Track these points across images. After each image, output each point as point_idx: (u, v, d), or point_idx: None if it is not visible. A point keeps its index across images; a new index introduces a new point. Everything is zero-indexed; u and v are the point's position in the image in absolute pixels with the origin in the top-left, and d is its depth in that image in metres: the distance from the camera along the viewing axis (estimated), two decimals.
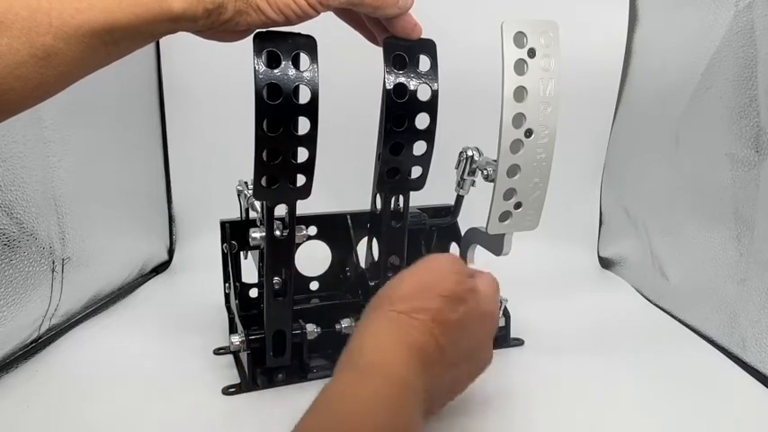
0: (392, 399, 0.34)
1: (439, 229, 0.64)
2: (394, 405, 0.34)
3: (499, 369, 0.56)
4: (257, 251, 0.57)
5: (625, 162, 0.85)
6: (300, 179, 0.44)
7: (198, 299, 0.72)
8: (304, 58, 0.40)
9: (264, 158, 0.41)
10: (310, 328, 0.54)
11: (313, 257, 0.62)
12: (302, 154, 0.42)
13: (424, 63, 0.44)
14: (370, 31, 0.45)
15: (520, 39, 0.43)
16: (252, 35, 0.39)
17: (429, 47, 0.44)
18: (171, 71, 0.85)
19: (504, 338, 0.60)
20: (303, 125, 0.41)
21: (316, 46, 0.40)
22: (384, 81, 0.43)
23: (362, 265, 0.59)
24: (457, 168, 0.53)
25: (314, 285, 0.64)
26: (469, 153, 0.52)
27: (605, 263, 0.89)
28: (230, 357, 0.57)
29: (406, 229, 0.54)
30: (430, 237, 0.64)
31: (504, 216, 0.50)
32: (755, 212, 0.56)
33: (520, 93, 0.44)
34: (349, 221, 0.62)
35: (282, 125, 0.40)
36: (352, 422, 0.32)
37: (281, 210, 0.47)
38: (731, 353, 0.58)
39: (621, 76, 0.84)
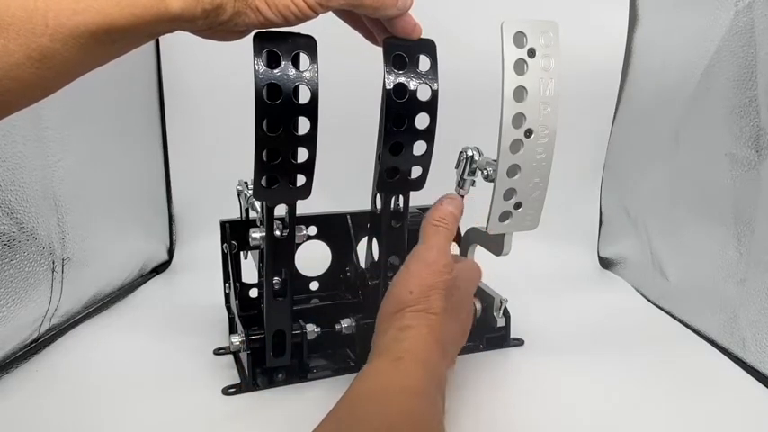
0: (424, 379, 0.40)
1: None
2: (425, 385, 0.40)
3: (499, 369, 0.56)
4: (257, 251, 0.57)
5: (625, 162, 0.85)
6: (300, 179, 0.44)
7: (198, 299, 0.72)
8: (304, 58, 0.40)
9: (264, 158, 0.41)
10: (310, 328, 0.54)
11: (313, 257, 0.62)
12: (302, 154, 0.42)
13: (424, 63, 0.44)
14: (370, 32, 0.45)
15: (520, 39, 0.43)
16: (251, 35, 0.39)
17: (429, 47, 0.44)
18: (171, 71, 0.85)
19: (504, 338, 0.60)
20: (303, 125, 0.41)
21: (316, 46, 0.40)
22: (384, 81, 0.43)
23: (362, 265, 0.59)
24: (457, 168, 0.53)
25: (314, 285, 0.64)
26: (469, 153, 0.52)
27: (605, 263, 0.89)
28: (230, 357, 0.57)
29: (406, 229, 0.53)
30: None
31: (504, 216, 0.50)
32: (755, 212, 0.56)
33: (520, 93, 0.44)
34: (349, 221, 0.62)
35: (282, 125, 0.40)
36: (391, 396, 0.38)
37: (281, 210, 0.47)
38: (731, 353, 0.58)
39: (621, 76, 0.84)
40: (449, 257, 0.48)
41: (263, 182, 0.43)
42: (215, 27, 0.36)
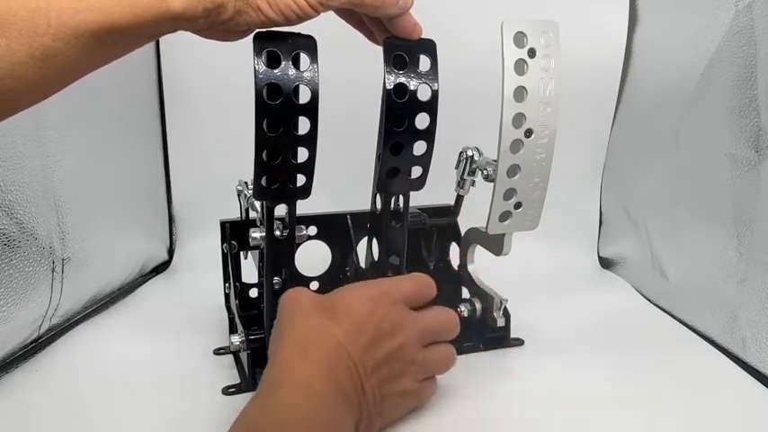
0: (299, 400, 0.36)
1: (439, 229, 0.64)
2: (301, 406, 0.36)
3: (499, 369, 0.56)
4: (257, 251, 0.57)
5: (625, 162, 0.85)
6: (300, 179, 0.44)
7: (198, 299, 0.72)
8: (304, 58, 0.40)
9: (264, 158, 0.41)
10: None
11: (313, 257, 0.62)
12: (302, 154, 0.42)
13: (424, 63, 0.44)
14: (371, 31, 0.45)
15: (520, 39, 0.43)
16: (252, 35, 0.39)
17: (429, 47, 0.44)
18: (171, 71, 0.85)
19: (504, 338, 0.60)
20: (303, 125, 0.41)
21: (316, 46, 0.40)
22: (384, 81, 0.43)
23: (362, 265, 0.59)
24: (457, 168, 0.53)
25: (314, 285, 0.64)
26: (469, 153, 0.52)
27: (605, 263, 0.89)
28: (230, 357, 0.57)
29: (406, 229, 0.54)
30: (430, 237, 0.64)
31: (504, 216, 0.50)
32: (755, 212, 0.56)
33: (520, 93, 0.44)
34: (349, 221, 0.62)
35: (282, 125, 0.40)
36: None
37: (281, 210, 0.47)
38: (731, 353, 0.58)
39: (621, 77, 0.84)
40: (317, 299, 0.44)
41: (263, 182, 0.43)
42: (216, 26, 0.36)
